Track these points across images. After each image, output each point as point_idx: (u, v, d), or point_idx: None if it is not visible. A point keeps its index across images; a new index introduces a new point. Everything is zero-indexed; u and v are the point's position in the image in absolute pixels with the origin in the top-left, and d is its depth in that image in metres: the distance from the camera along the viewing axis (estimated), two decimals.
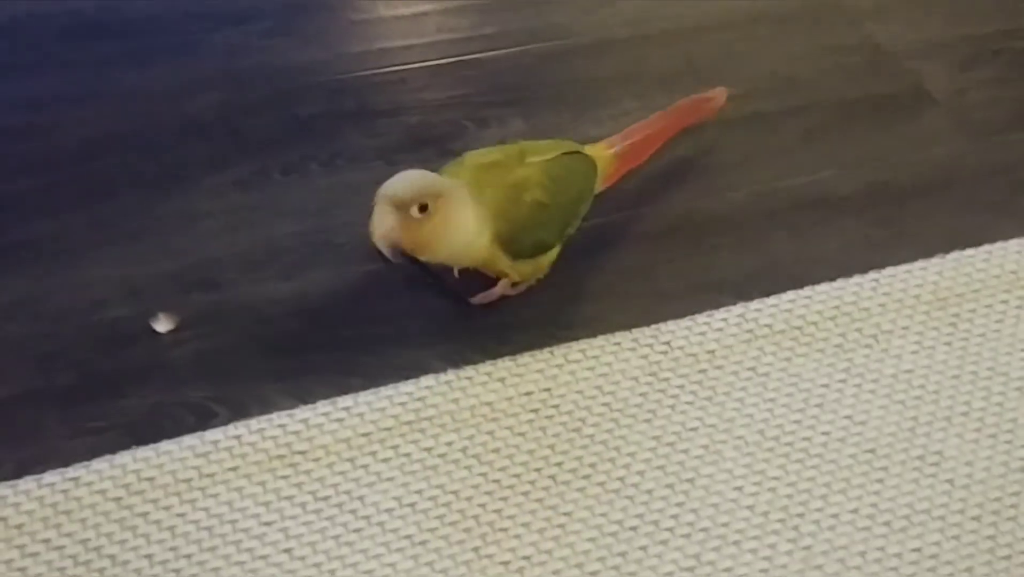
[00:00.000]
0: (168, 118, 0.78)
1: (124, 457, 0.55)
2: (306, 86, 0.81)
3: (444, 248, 0.59)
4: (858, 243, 0.68)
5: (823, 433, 0.58)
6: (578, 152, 0.65)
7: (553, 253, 0.64)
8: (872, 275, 0.66)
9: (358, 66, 0.83)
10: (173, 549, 0.52)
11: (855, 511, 0.55)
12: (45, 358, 0.62)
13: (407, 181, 0.57)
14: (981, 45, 0.84)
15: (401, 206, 0.56)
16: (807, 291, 0.65)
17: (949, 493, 0.55)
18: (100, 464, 0.55)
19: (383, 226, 0.56)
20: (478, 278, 0.64)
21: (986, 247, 0.67)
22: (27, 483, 0.54)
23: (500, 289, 0.64)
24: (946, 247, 0.67)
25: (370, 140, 0.76)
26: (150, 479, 0.55)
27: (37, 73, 0.81)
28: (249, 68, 0.82)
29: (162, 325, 0.63)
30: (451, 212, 0.57)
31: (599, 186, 0.66)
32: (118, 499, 0.54)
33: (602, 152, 0.67)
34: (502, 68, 0.82)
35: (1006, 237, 0.68)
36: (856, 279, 0.65)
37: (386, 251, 0.57)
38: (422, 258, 0.59)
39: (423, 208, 0.56)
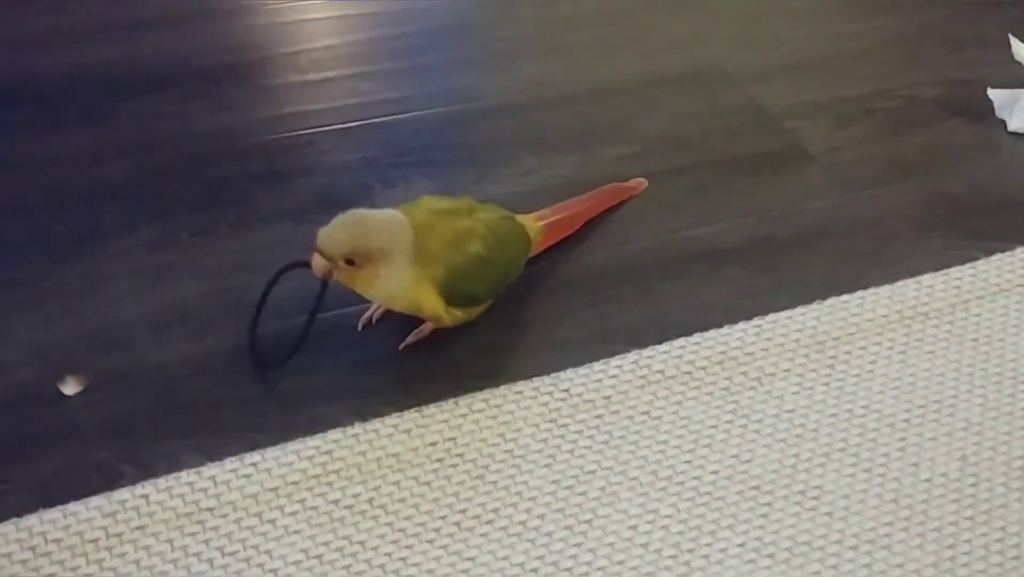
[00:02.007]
0: (77, 183, 0.79)
1: (31, 519, 0.56)
2: (216, 150, 0.83)
3: (373, 293, 0.63)
4: (743, 291, 0.72)
5: (712, 472, 0.61)
6: (514, 218, 0.70)
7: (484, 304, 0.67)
8: (756, 321, 0.70)
9: (267, 130, 0.85)
10: None
11: (742, 545, 0.58)
12: None
13: (337, 237, 0.61)
14: (855, 105, 0.90)
15: (329, 259, 0.60)
16: (696, 337, 0.69)
17: (828, 525, 0.59)
18: (6, 527, 0.55)
19: (316, 268, 0.62)
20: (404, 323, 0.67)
21: (860, 293, 0.72)
22: None
23: (429, 328, 0.67)
24: (823, 294, 0.72)
25: (279, 201, 0.79)
26: (57, 541, 0.55)
27: None
28: (159, 134, 0.84)
29: (69, 388, 0.63)
30: (378, 267, 0.61)
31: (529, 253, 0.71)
32: (24, 561, 0.54)
33: (532, 223, 0.71)
34: (407, 131, 0.85)
35: (878, 284, 0.73)
36: (741, 325, 0.70)
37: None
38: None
39: (350, 262, 0.60)
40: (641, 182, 0.80)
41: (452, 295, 0.64)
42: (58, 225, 0.75)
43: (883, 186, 0.82)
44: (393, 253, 0.61)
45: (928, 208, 0.80)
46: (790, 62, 0.95)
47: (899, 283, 0.73)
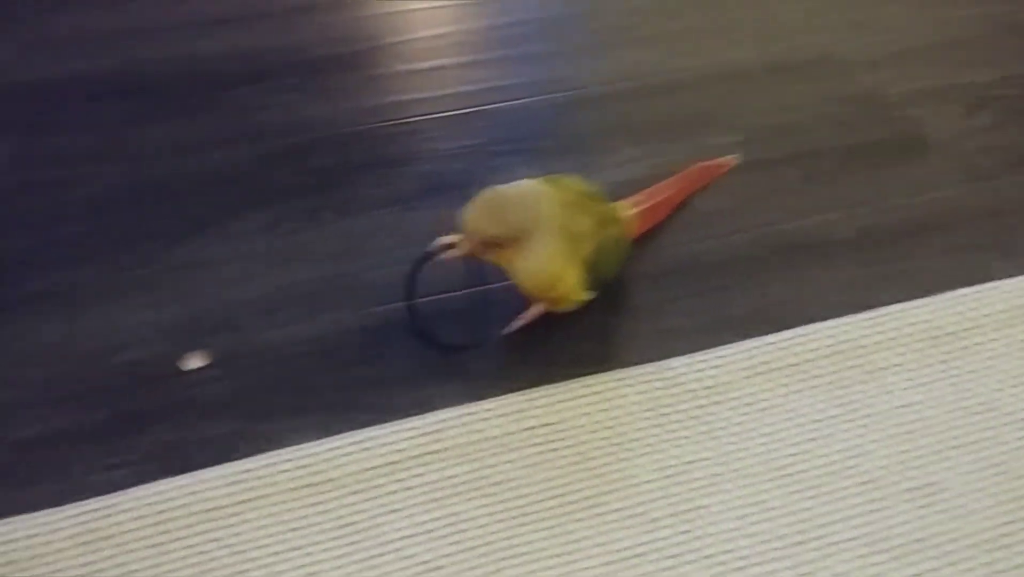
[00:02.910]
0: (187, 171, 0.81)
1: (161, 485, 0.58)
2: (321, 138, 0.84)
3: (521, 267, 0.62)
4: (855, 283, 0.71)
5: (821, 465, 0.60)
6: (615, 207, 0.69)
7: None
8: (868, 314, 0.68)
9: (372, 118, 0.86)
10: (206, 572, 0.55)
11: (854, 539, 0.57)
12: (74, 398, 0.64)
13: (483, 213, 0.60)
14: (976, 93, 0.87)
15: (475, 236, 0.60)
16: (805, 329, 0.67)
17: (944, 522, 0.57)
18: (138, 492, 0.58)
19: (463, 249, 0.61)
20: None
21: (980, 287, 0.70)
22: (69, 510, 0.57)
23: (533, 312, 0.67)
24: (940, 287, 0.70)
25: (383, 188, 0.80)
26: (184, 506, 0.58)
27: (64, 131, 0.85)
28: (266, 123, 0.86)
29: (189, 364, 0.66)
30: (530, 238, 0.61)
31: None
32: (156, 524, 0.57)
33: (626, 211, 0.71)
34: (510, 119, 0.86)
35: (998, 277, 0.70)
36: (852, 318, 0.68)
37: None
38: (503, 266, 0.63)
39: (497, 237, 0.60)
40: (731, 159, 0.79)
41: (593, 275, 0.64)
42: (170, 211, 0.78)
43: (1006, 176, 0.79)
44: (541, 224, 0.61)
45: None
46: (903, 48, 0.92)
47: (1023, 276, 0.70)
